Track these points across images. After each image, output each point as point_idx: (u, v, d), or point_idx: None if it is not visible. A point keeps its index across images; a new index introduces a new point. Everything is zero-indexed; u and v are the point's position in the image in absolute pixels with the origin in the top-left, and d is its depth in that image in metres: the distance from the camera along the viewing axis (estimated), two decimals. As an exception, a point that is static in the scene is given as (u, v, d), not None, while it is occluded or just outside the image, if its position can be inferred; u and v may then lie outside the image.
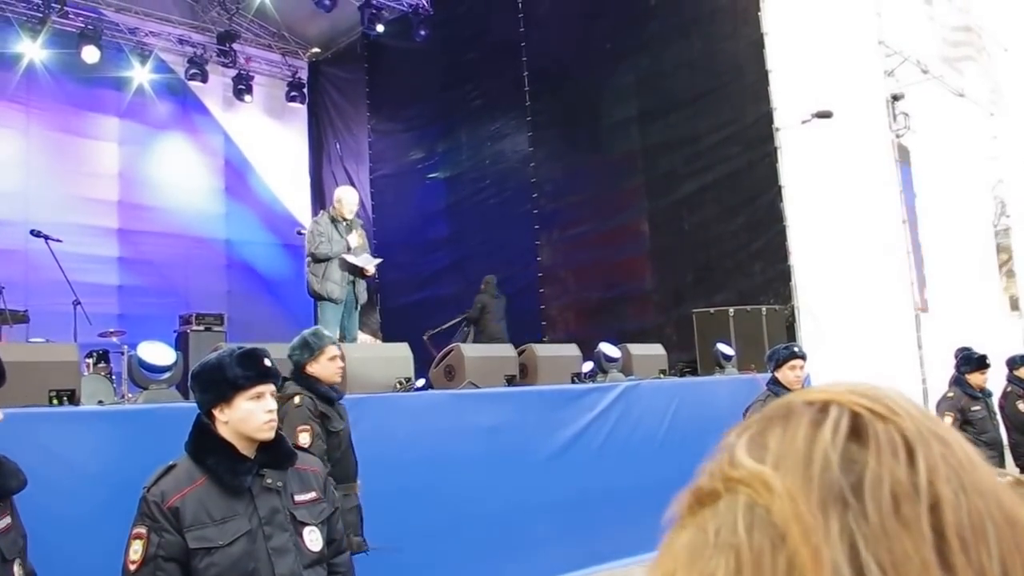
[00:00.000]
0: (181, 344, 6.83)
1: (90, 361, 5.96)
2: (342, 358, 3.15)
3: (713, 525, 0.29)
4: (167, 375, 3.52)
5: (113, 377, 6.02)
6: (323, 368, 3.04)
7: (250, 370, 1.84)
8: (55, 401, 3.06)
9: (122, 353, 6.04)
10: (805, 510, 0.27)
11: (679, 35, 7.66)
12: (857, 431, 0.29)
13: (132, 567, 1.73)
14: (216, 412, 1.84)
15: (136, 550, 1.74)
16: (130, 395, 4.38)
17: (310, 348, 3.05)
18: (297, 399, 2.97)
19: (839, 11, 6.79)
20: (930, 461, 0.29)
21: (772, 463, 0.29)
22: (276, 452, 1.89)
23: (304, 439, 2.87)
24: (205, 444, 1.84)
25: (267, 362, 1.88)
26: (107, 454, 3.07)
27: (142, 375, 3.49)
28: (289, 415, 2.89)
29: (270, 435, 1.86)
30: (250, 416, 1.82)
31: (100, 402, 3.67)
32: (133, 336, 5.96)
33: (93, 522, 2.81)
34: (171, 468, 1.83)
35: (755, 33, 6.90)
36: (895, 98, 7.17)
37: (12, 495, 1.75)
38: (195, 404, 1.90)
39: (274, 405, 1.87)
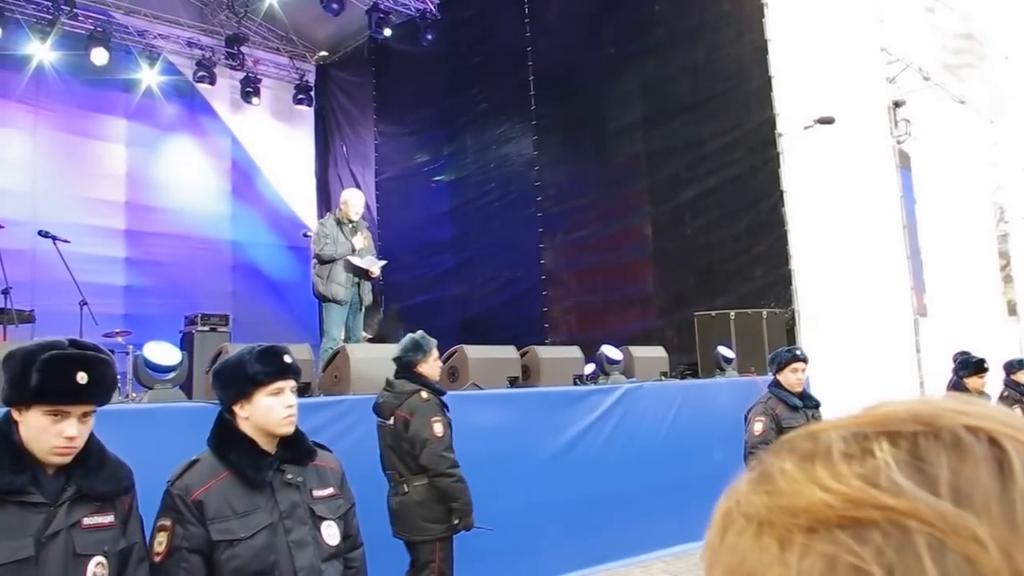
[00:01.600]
0: (186, 344, 6.89)
1: (97, 360, 6.00)
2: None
3: (878, 562, 0.26)
4: (172, 375, 3.56)
5: (118, 377, 6.07)
6: (431, 368, 3.35)
7: (269, 366, 1.87)
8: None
9: (127, 353, 6.10)
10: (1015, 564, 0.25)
11: (683, 41, 7.71)
12: (998, 456, 0.27)
13: (157, 559, 1.77)
14: (237, 408, 1.88)
15: (161, 542, 1.79)
16: (135, 395, 4.43)
17: (422, 349, 3.34)
18: (424, 394, 3.25)
19: (842, 18, 6.83)
20: None
21: (953, 501, 0.26)
22: (296, 448, 1.92)
23: (439, 429, 3.17)
24: (227, 439, 1.88)
25: (287, 359, 1.91)
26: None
27: (147, 375, 3.52)
28: (420, 409, 3.20)
29: (290, 430, 1.89)
30: (270, 411, 1.85)
31: (107, 400, 3.72)
32: (139, 336, 6.02)
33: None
34: (195, 462, 1.88)
35: (759, 39, 6.94)
36: (896, 104, 7.21)
37: (109, 499, 1.63)
38: (217, 401, 1.95)
39: (294, 400, 1.90)
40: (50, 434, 1.60)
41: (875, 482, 0.27)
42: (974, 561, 0.25)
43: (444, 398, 3.47)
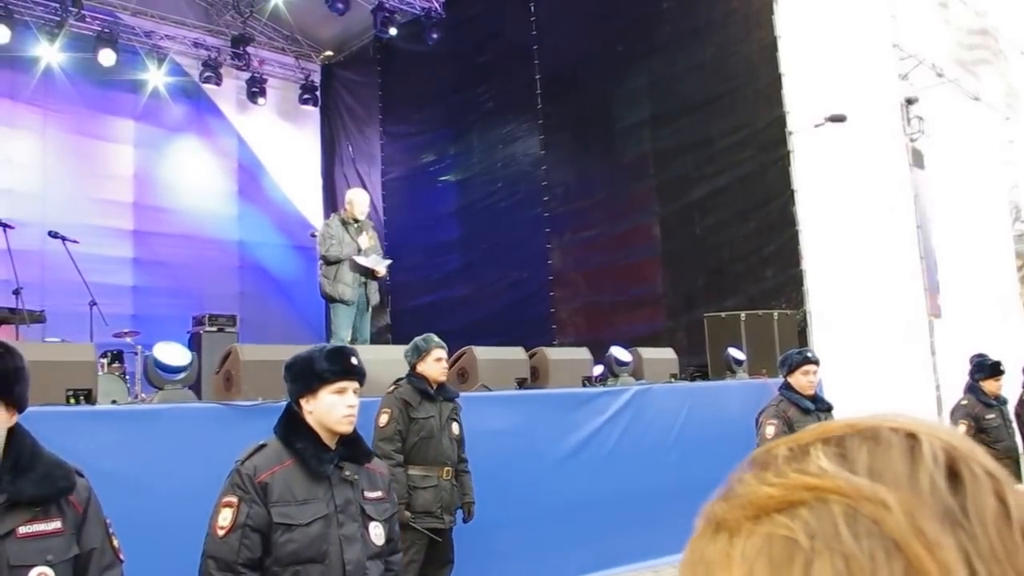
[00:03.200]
0: (194, 345, 6.88)
1: (104, 361, 6.02)
2: (447, 360, 3.62)
3: (804, 532, 0.29)
4: (182, 375, 3.55)
5: (127, 377, 6.08)
6: (429, 367, 3.53)
7: (335, 365, 1.96)
8: (72, 400, 3.09)
9: (136, 353, 6.10)
10: (925, 525, 0.28)
11: (691, 38, 7.65)
12: (951, 464, 0.31)
13: (221, 532, 1.84)
14: (303, 402, 1.97)
15: (225, 517, 1.85)
16: (144, 395, 4.42)
17: (418, 350, 3.55)
18: (392, 388, 3.51)
19: (853, 14, 6.75)
20: (1017, 497, 0.31)
21: (868, 477, 0.30)
22: (354, 448, 2.02)
23: (382, 420, 3.40)
24: (295, 429, 1.97)
25: (354, 360, 2.01)
26: (122, 453, 3.11)
27: (158, 375, 3.52)
28: (383, 399, 3.45)
29: (349, 428, 1.97)
30: (332, 408, 1.94)
31: (114, 402, 3.71)
32: (147, 337, 6.02)
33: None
34: (262, 447, 1.96)
35: (768, 36, 6.87)
36: (909, 102, 7.12)
37: (48, 503, 1.53)
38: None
39: (355, 401, 1.98)
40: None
41: (807, 471, 0.31)
42: (880, 521, 0.29)
43: (455, 399, 3.61)
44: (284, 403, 2.08)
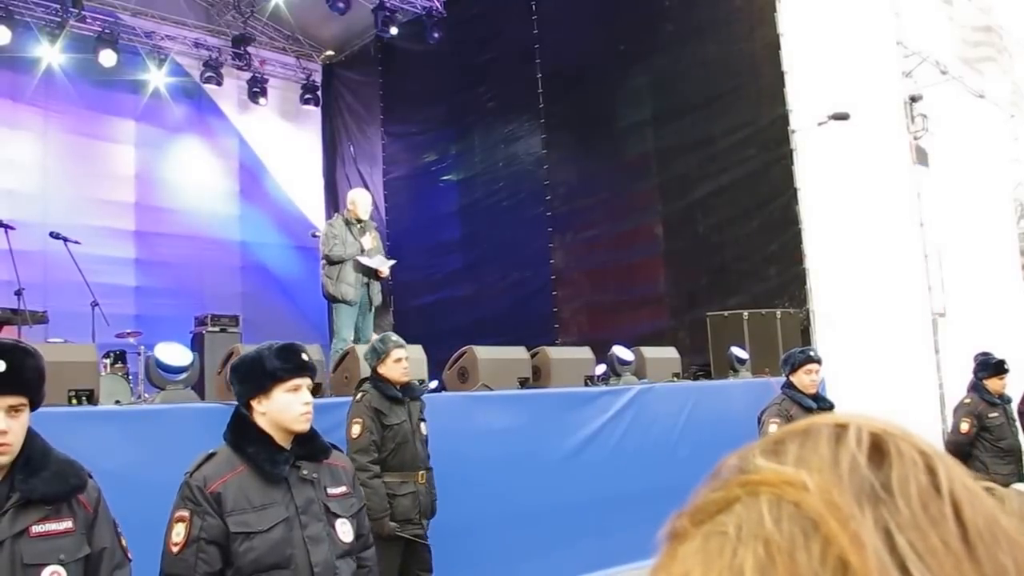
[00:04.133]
0: (196, 345, 6.88)
1: (107, 361, 6.02)
2: (407, 359, 3.50)
3: (734, 524, 0.31)
4: (184, 375, 3.55)
5: (130, 377, 6.08)
6: (389, 369, 3.42)
7: (288, 363, 1.91)
8: (74, 401, 3.09)
9: (139, 354, 6.10)
10: (840, 501, 0.29)
11: (694, 36, 7.63)
12: (878, 445, 0.32)
13: (175, 548, 1.78)
14: (254, 403, 1.91)
15: (179, 532, 1.79)
16: (147, 395, 4.41)
17: (377, 352, 3.44)
18: (359, 395, 3.39)
19: (856, 11, 6.73)
20: (949, 471, 0.31)
21: (795, 466, 0.32)
22: (311, 445, 1.95)
23: (355, 430, 3.27)
24: (245, 434, 1.91)
25: (304, 356, 1.95)
26: (125, 453, 3.10)
27: (159, 375, 3.52)
28: (350, 410, 3.35)
29: (306, 427, 1.92)
30: (288, 407, 1.88)
31: (117, 402, 3.71)
32: (149, 337, 6.02)
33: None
34: (212, 456, 1.90)
35: (771, 34, 6.85)
36: (913, 99, 7.09)
37: (59, 502, 1.54)
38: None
39: (310, 398, 1.93)
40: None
41: (743, 468, 0.33)
42: (800, 503, 0.30)
43: (441, 396, 3.60)
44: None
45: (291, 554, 1.82)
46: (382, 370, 3.42)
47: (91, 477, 1.63)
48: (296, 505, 1.86)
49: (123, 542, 1.64)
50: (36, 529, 1.49)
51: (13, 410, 1.50)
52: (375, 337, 3.55)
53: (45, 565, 1.48)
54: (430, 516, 3.50)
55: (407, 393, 3.47)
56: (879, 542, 0.28)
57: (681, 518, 0.34)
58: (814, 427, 0.34)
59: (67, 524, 1.53)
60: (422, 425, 3.51)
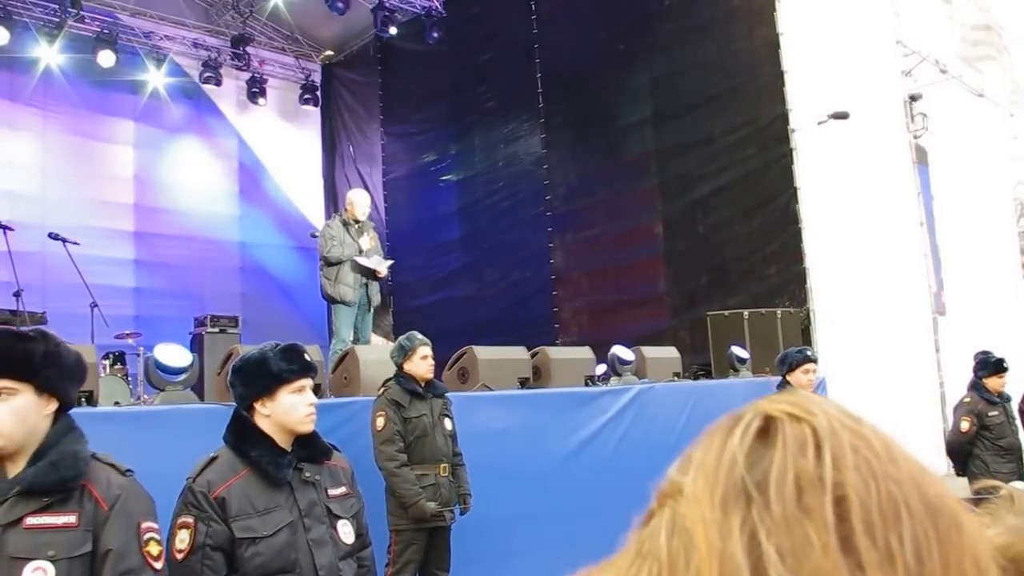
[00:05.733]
0: (196, 346, 6.87)
1: (107, 362, 6.01)
2: (432, 357, 3.62)
3: (639, 539, 0.31)
4: (183, 376, 3.54)
5: (129, 378, 6.07)
6: (416, 365, 3.54)
7: (293, 364, 1.89)
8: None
9: (138, 355, 6.09)
10: (707, 509, 0.29)
11: (693, 36, 7.62)
12: (766, 432, 0.31)
13: (179, 556, 1.74)
14: (257, 405, 1.88)
15: (183, 539, 1.76)
16: (146, 396, 4.40)
17: (404, 349, 3.56)
18: (381, 390, 3.52)
19: (856, 11, 6.73)
20: (838, 452, 0.29)
21: (692, 473, 0.32)
22: (312, 447, 1.94)
23: (379, 423, 3.39)
24: (247, 437, 1.88)
25: (307, 356, 1.94)
26: (124, 454, 3.09)
27: (159, 377, 3.51)
28: (373, 404, 3.47)
29: (310, 428, 1.91)
30: (293, 409, 1.87)
31: (117, 403, 3.70)
32: (148, 338, 6.01)
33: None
34: (213, 460, 1.87)
35: (770, 33, 6.84)
36: (913, 98, 7.09)
37: (54, 493, 1.47)
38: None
39: (315, 399, 1.92)
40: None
41: (665, 478, 0.32)
42: (683, 515, 0.30)
43: (451, 395, 3.64)
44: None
45: (296, 558, 1.80)
46: (408, 367, 3.53)
47: (125, 474, 1.57)
48: (299, 508, 1.84)
49: (150, 549, 1.53)
50: (31, 521, 1.42)
51: (1, 392, 1.45)
52: (402, 336, 3.64)
53: (30, 560, 1.39)
54: (463, 509, 3.58)
55: (430, 390, 3.56)
56: (740, 548, 0.27)
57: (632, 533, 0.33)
58: (718, 424, 0.33)
59: (69, 519, 1.44)
60: (446, 421, 3.58)
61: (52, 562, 1.40)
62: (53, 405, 1.52)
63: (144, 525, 1.53)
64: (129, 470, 1.61)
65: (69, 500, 1.46)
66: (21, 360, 1.48)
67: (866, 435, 0.30)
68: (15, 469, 1.46)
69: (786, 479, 0.29)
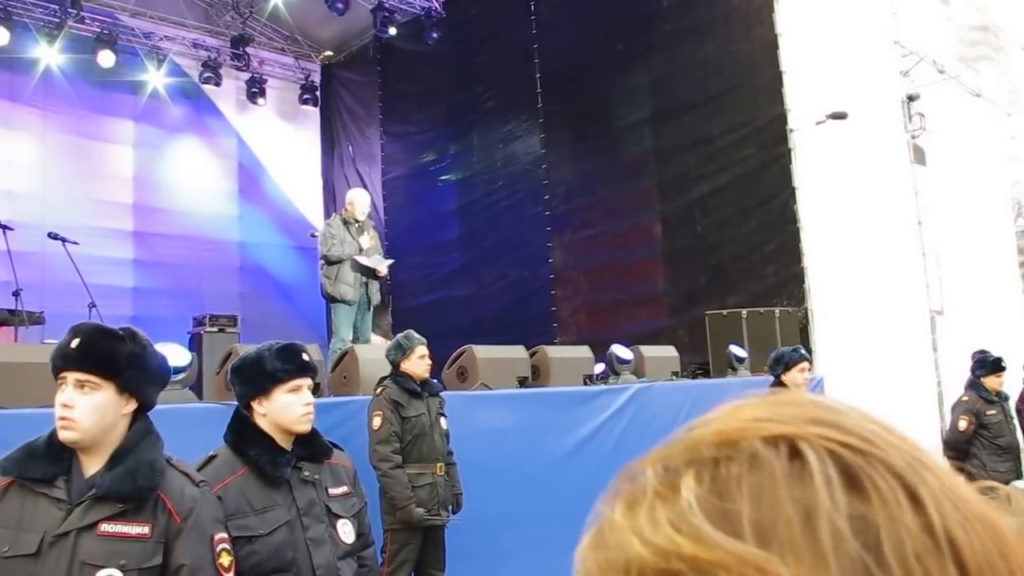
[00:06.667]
0: (195, 345, 6.88)
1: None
2: (429, 356, 3.62)
3: None
4: (182, 376, 3.54)
5: (124, 356, 6.06)
6: (413, 365, 3.54)
7: (289, 363, 1.90)
8: (72, 401, 3.08)
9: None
10: None
11: (692, 36, 7.63)
12: (850, 480, 0.25)
13: None
14: (255, 405, 1.89)
15: None
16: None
17: (402, 348, 3.55)
18: (379, 389, 3.49)
19: (854, 11, 6.73)
20: (936, 502, 0.25)
21: (757, 538, 0.25)
22: (312, 446, 1.94)
23: (376, 423, 3.38)
24: (246, 436, 1.89)
25: (305, 356, 1.94)
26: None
27: (157, 376, 3.51)
28: (370, 403, 3.46)
29: (307, 427, 1.90)
30: (288, 408, 1.87)
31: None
32: (148, 338, 6.00)
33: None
34: (212, 458, 1.87)
35: (769, 34, 6.85)
36: (911, 98, 7.10)
37: (130, 502, 1.45)
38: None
39: (311, 399, 1.92)
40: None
41: (679, 528, 0.26)
42: None
43: (444, 394, 3.64)
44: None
45: (293, 557, 1.80)
46: (405, 366, 3.53)
47: (199, 485, 1.57)
48: (298, 507, 1.84)
49: (222, 561, 1.52)
50: (105, 528, 1.42)
51: (81, 385, 1.46)
52: (400, 335, 3.63)
53: (101, 567, 1.39)
54: (455, 509, 3.60)
55: (427, 389, 3.57)
56: None
57: (601, 564, 0.28)
58: (760, 455, 0.26)
59: (142, 529, 1.44)
60: (441, 420, 3.59)
61: (123, 571, 1.41)
62: (132, 405, 1.53)
63: (217, 536, 1.55)
64: (203, 481, 1.62)
65: (143, 509, 1.46)
66: (107, 358, 1.50)
67: (932, 465, 0.26)
68: (91, 466, 1.47)
69: (905, 549, 0.24)
